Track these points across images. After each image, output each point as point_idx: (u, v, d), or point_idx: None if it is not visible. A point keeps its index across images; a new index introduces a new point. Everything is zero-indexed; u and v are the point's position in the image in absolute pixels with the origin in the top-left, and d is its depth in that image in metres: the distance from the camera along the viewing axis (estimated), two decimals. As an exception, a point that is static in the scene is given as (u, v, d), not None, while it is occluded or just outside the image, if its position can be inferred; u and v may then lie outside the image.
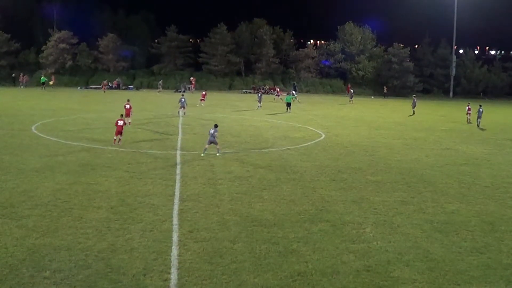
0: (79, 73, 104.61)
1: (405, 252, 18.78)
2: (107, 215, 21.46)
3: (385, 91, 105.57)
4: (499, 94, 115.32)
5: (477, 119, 59.96)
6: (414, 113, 70.76)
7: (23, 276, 15.74)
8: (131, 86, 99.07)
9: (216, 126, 35.78)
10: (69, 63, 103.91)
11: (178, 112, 57.12)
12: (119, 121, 37.68)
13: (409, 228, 21.52)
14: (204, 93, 72.57)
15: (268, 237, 19.73)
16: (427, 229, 21.48)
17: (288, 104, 66.92)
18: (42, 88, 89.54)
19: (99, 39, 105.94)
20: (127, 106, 48.09)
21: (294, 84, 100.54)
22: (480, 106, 61.39)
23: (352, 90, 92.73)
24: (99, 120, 50.77)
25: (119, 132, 37.46)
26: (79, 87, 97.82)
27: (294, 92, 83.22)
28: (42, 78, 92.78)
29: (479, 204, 25.77)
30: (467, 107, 64.54)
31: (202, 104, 69.15)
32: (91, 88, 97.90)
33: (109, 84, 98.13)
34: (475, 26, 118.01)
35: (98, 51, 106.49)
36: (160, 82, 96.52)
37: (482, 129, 57.49)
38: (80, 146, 36.71)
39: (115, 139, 37.45)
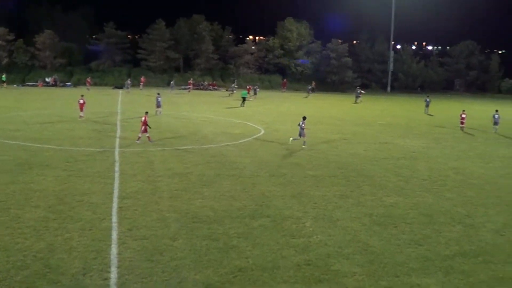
0: (16, 70, 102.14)
1: (344, 246, 19.01)
2: (45, 215, 21.10)
3: (313, 85, 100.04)
4: (436, 89, 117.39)
5: (425, 107, 69.39)
6: (358, 102, 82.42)
7: (-43, 278, 15.41)
8: (69, 83, 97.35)
9: (304, 118, 39.17)
10: (6, 60, 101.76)
11: (156, 112, 56.02)
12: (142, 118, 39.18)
13: (349, 221, 21.78)
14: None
15: (208, 233, 19.72)
16: (366, 222, 21.79)
17: (243, 99, 70.16)
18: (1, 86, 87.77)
19: (36, 35, 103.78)
20: (81, 101, 50.61)
21: (234, 80, 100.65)
22: (428, 96, 72.65)
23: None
24: (36, 118, 49.78)
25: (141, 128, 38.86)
26: (15, 85, 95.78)
27: (234, 86, 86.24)
28: (3, 76, 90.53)
29: (417, 197, 26.30)
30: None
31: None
32: (28, 85, 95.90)
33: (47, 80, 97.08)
34: (412, 22, 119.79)
35: (35, 48, 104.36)
36: (128, 81, 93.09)
37: (430, 115, 66.09)
38: (16, 144, 36.01)
39: (139, 136, 38.68)
